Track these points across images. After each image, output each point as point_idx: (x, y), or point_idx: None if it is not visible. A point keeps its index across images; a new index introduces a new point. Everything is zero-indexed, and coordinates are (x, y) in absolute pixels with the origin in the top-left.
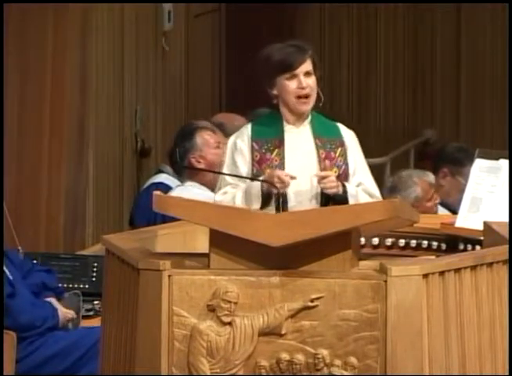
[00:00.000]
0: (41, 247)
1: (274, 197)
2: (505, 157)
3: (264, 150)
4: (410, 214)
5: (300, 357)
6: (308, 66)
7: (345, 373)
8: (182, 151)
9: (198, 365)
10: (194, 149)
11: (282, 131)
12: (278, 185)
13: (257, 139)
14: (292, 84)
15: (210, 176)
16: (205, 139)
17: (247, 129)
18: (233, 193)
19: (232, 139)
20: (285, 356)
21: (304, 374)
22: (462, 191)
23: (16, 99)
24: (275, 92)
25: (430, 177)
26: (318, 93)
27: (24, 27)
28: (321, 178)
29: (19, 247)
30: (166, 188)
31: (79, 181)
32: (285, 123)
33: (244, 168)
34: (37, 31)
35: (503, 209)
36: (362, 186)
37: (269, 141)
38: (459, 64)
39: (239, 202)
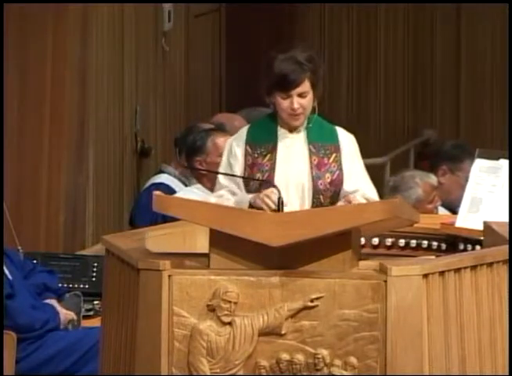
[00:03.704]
0: (41, 247)
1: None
2: (505, 157)
3: (256, 155)
4: (410, 214)
5: (300, 357)
6: (303, 87)
7: (345, 373)
8: (191, 150)
9: (198, 365)
10: (201, 151)
11: (276, 137)
12: (263, 205)
13: (252, 143)
14: (285, 103)
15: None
16: (217, 144)
17: (243, 132)
18: (228, 201)
19: (229, 141)
20: (285, 356)
21: (304, 374)
22: (463, 187)
23: (16, 99)
24: (272, 99)
25: (433, 179)
26: (313, 107)
27: (24, 27)
28: None
29: (19, 247)
30: (166, 188)
31: (79, 181)
32: (279, 128)
33: (238, 171)
34: (37, 31)
35: (503, 209)
36: (359, 192)
37: (263, 146)
38: (459, 64)
39: None
